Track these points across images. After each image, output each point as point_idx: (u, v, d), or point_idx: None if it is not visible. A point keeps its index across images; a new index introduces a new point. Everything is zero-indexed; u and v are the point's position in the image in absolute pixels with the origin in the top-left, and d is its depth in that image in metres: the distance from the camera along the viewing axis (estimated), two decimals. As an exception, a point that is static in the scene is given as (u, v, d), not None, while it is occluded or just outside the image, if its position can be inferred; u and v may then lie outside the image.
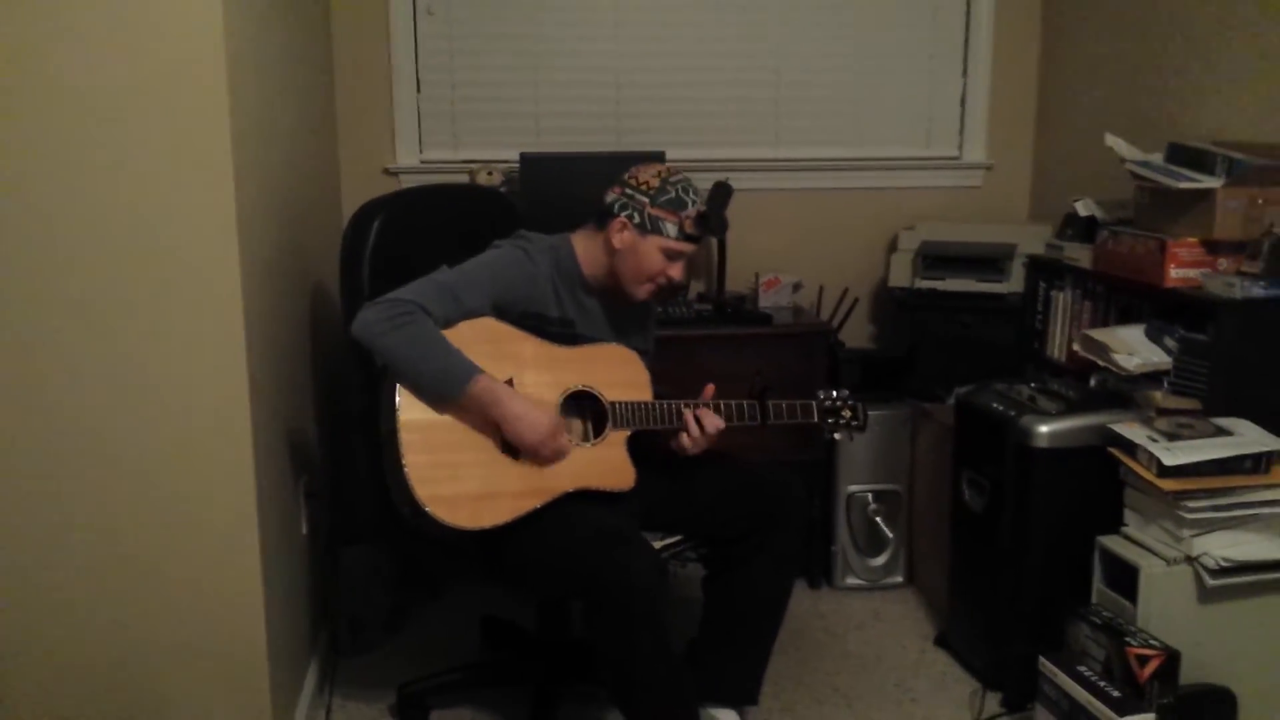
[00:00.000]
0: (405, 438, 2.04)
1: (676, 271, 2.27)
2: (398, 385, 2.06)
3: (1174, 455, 2.18)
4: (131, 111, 1.92)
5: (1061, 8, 3.50)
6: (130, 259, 1.96)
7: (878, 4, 3.54)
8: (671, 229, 2.23)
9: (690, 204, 2.24)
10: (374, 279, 2.31)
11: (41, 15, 1.87)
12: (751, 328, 3.14)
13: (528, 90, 3.47)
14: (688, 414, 2.25)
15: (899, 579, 3.27)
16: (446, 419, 2.09)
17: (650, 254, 2.23)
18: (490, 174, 3.31)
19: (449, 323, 2.10)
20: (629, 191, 2.25)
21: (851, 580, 3.25)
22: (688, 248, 2.26)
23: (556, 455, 2.14)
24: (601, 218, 2.28)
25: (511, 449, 2.13)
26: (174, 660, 2.12)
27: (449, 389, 2.05)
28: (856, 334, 3.61)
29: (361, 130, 3.41)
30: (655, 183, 2.24)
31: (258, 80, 2.22)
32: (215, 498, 2.07)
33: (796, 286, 3.39)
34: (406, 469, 2.02)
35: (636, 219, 2.23)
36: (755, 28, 3.51)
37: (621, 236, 2.24)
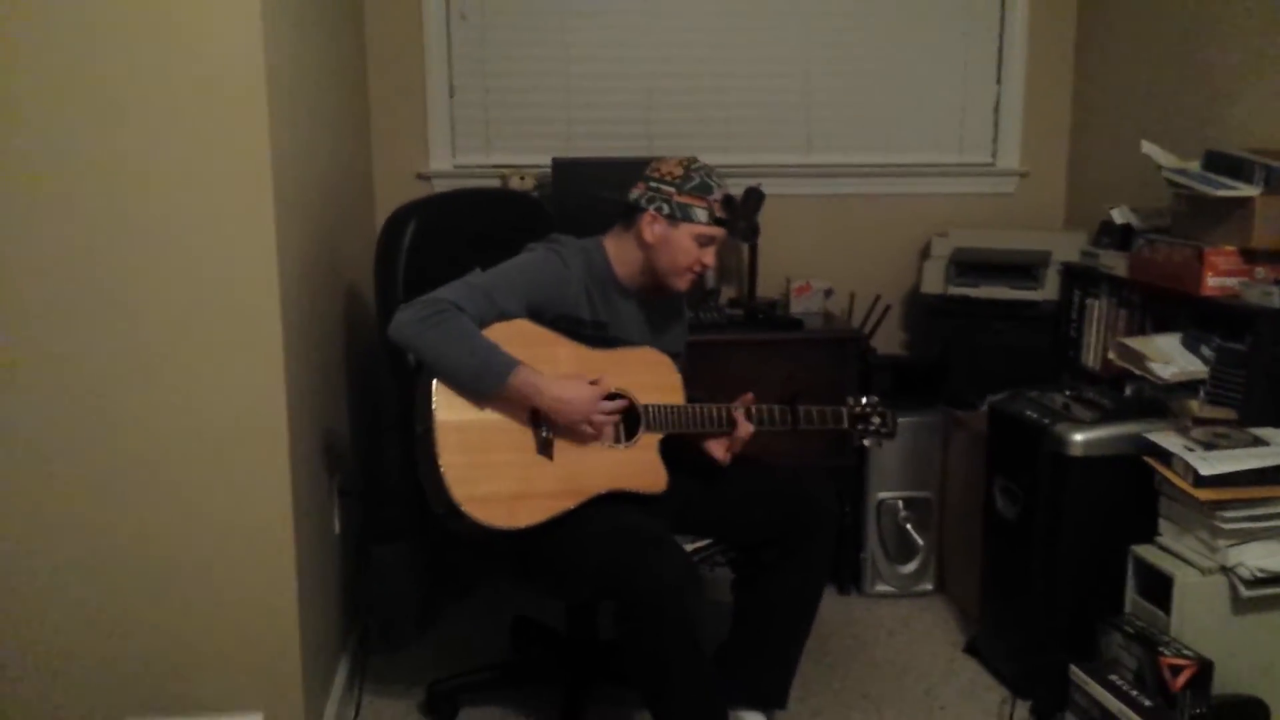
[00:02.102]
0: (441, 438, 2.06)
1: (710, 258, 2.28)
2: (434, 385, 2.08)
3: (1210, 465, 2.17)
4: (172, 118, 1.95)
5: (1097, 14, 3.48)
6: (170, 264, 2.00)
7: (911, 10, 3.54)
8: (702, 214, 2.23)
9: (715, 187, 2.25)
10: (408, 282, 2.33)
11: (82, 26, 1.91)
12: (782, 333, 3.14)
13: (560, 96, 3.49)
14: (719, 418, 2.26)
15: (929, 586, 3.26)
16: (482, 419, 2.10)
17: (683, 243, 2.24)
18: (522, 178, 3.33)
19: (483, 324, 2.11)
20: (654, 184, 2.26)
21: (881, 587, 3.25)
22: (719, 232, 2.27)
23: (603, 425, 2.16)
24: (629, 215, 2.29)
25: (546, 449, 2.14)
26: (207, 656, 2.15)
27: (490, 382, 2.07)
28: (888, 340, 3.60)
29: (395, 135, 3.44)
30: (679, 172, 2.25)
31: (295, 86, 2.25)
32: (251, 496, 2.10)
33: (828, 292, 3.39)
34: (443, 469, 2.04)
35: (666, 209, 2.24)
36: (787, 33, 3.52)
37: (653, 230, 2.25)
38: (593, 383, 2.15)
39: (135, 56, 1.93)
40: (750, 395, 2.31)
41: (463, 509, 2.04)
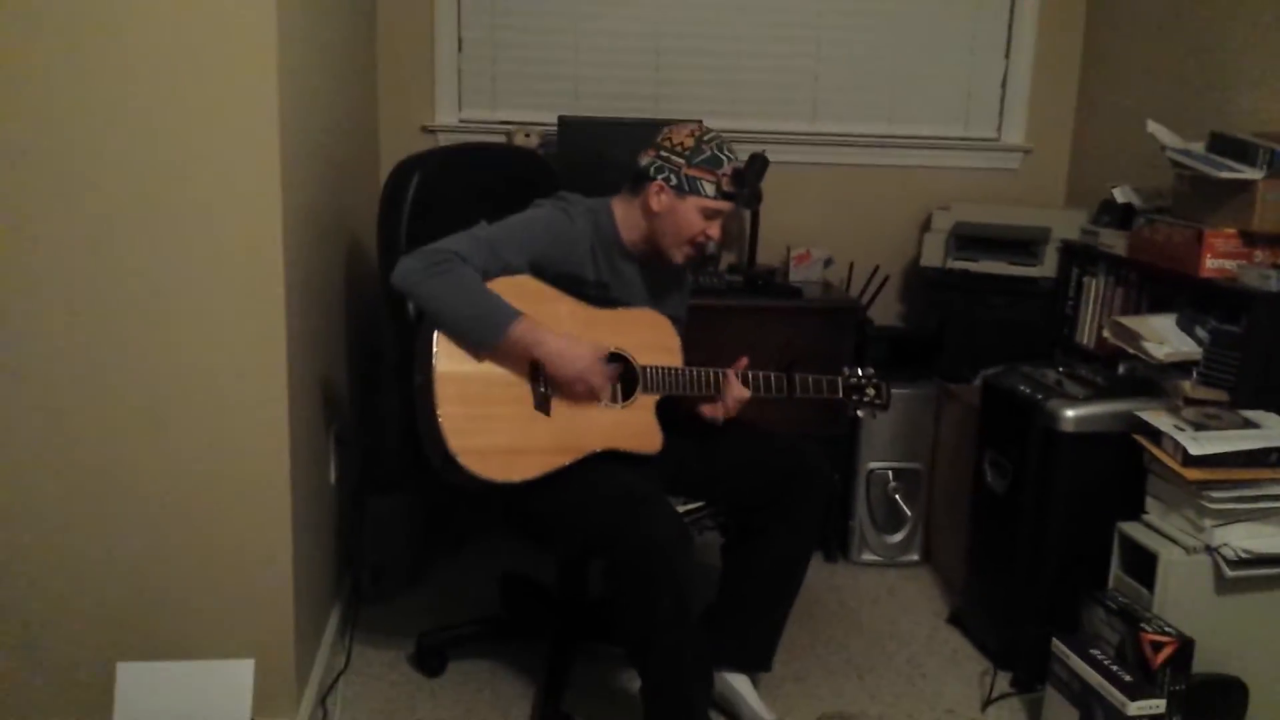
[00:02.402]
0: (440, 389, 2.07)
1: (715, 231, 2.29)
2: (435, 336, 2.08)
3: (1200, 445, 2.19)
4: (180, 59, 1.94)
5: (1109, -7, 3.47)
6: (174, 205, 1.99)
7: (923, -19, 3.53)
8: (709, 188, 2.24)
9: (726, 161, 2.24)
10: (411, 234, 2.33)
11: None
12: (781, 300, 3.15)
13: (568, 54, 3.47)
14: (716, 381, 2.27)
15: (915, 557, 3.29)
16: (482, 371, 2.11)
17: (689, 215, 2.25)
18: (528, 135, 3.32)
19: (487, 276, 2.12)
20: (664, 154, 2.26)
21: (868, 556, 3.28)
22: (726, 206, 2.27)
23: (594, 389, 2.17)
24: (637, 181, 2.29)
25: (544, 405, 2.15)
26: (200, 601, 2.16)
27: (491, 332, 2.08)
28: (886, 312, 3.61)
29: (402, 87, 3.43)
30: (690, 143, 2.25)
31: (304, 32, 2.24)
32: (249, 442, 2.10)
33: (827, 262, 3.40)
34: (441, 419, 2.05)
35: (674, 181, 2.24)
36: (798, 1, 3.50)
37: (659, 199, 2.25)
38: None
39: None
40: (745, 359, 2.32)
41: (459, 460, 2.06)
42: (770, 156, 3.26)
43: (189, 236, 2.00)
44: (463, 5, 3.41)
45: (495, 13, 3.43)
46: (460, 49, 3.44)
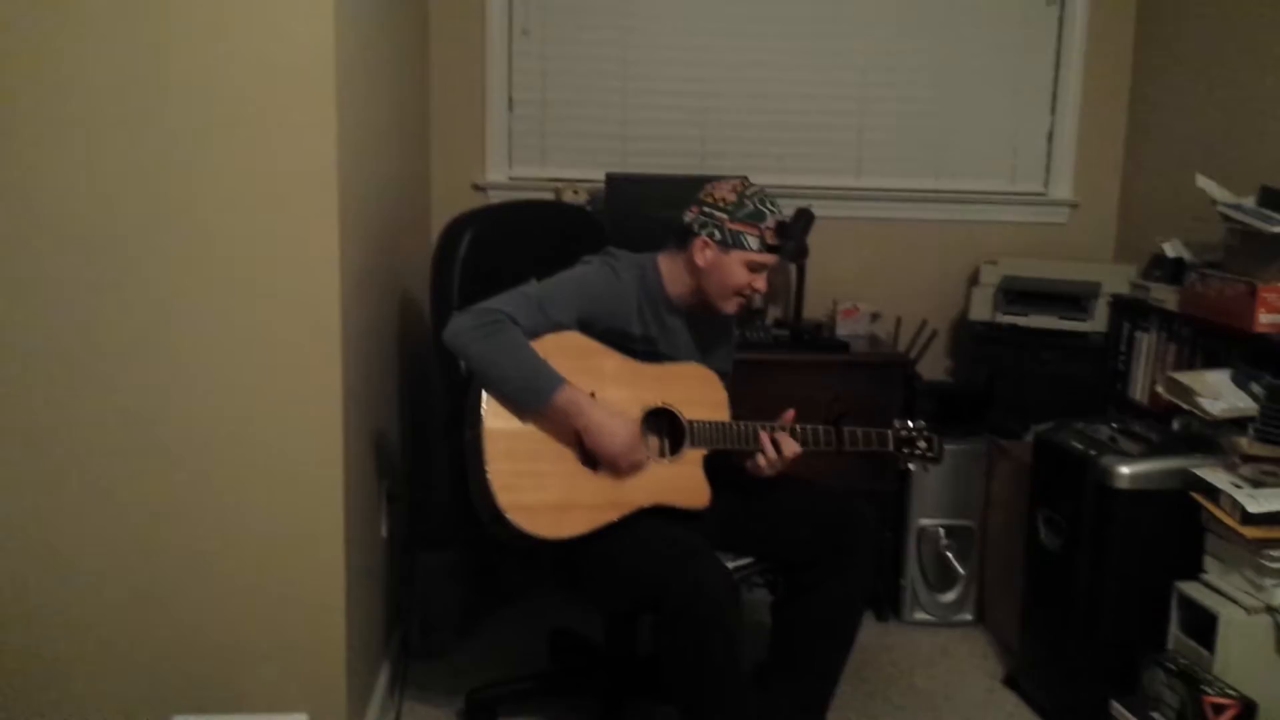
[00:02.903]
0: (489, 445, 2.09)
1: (761, 283, 2.30)
2: (483, 393, 2.11)
3: (1258, 503, 2.15)
4: (241, 121, 2.00)
5: (1154, 47, 3.47)
6: (234, 264, 2.04)
7: (966, 37, 3.55)
8: (753, 242, 2.25)
9: (768, 214, 2.27)
10: (463, 289, 2.37)
11: (151, 29, 1.96)
12: (828, 355, 3.15)
13: (616, 111, 3.53)
14: (764, 436, 2.27)
15: (968, 616, 3.24)
16: (529, 428, 2.13)
17: (734, 269, 2.26)
18: (576, 192, 3.37)
19: (535, 334, 2.14)
20: (707, 209, 2.29)
21: (920, 615, 3.23)
22: (770, 259, 2.29)
23: (634, 467, 2.18)
24: (682, 238, 2.32)
25: (591, 461, 2.16)
26: (254, 654, 2.18)
27: (534, 398, 2.10)
28: (934, 366, 3.60)
29: (453, 145, 3.50)
30: (732, 198, 2.27)
31: (362, 94, 2.30)
32: (304, 498, 2.13)
33: (874, 316, 3.40)
34: (489, 475, 2.07)
35: (718, 236, 2.26)
36: (842, 56, 3.54)
37: (704, 255, 2.27)
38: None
39: (206, 58, 1.98)
40: (791, 412, 2.32)
41: (507, 516, 2.07)
42: (816, 211, 3.26)
43: (249, 295, 2.05)
44: (514, 65, 3.48)
45: (545, 73, 3.50)
46: (511, 108, 3.51)
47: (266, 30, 1.98)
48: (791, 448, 2.28)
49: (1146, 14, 3.52)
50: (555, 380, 2.10)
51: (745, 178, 2.36)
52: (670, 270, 2.34)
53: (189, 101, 1.99)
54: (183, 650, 2.16)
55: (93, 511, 2.10)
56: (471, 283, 2.36)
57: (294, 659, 2.19)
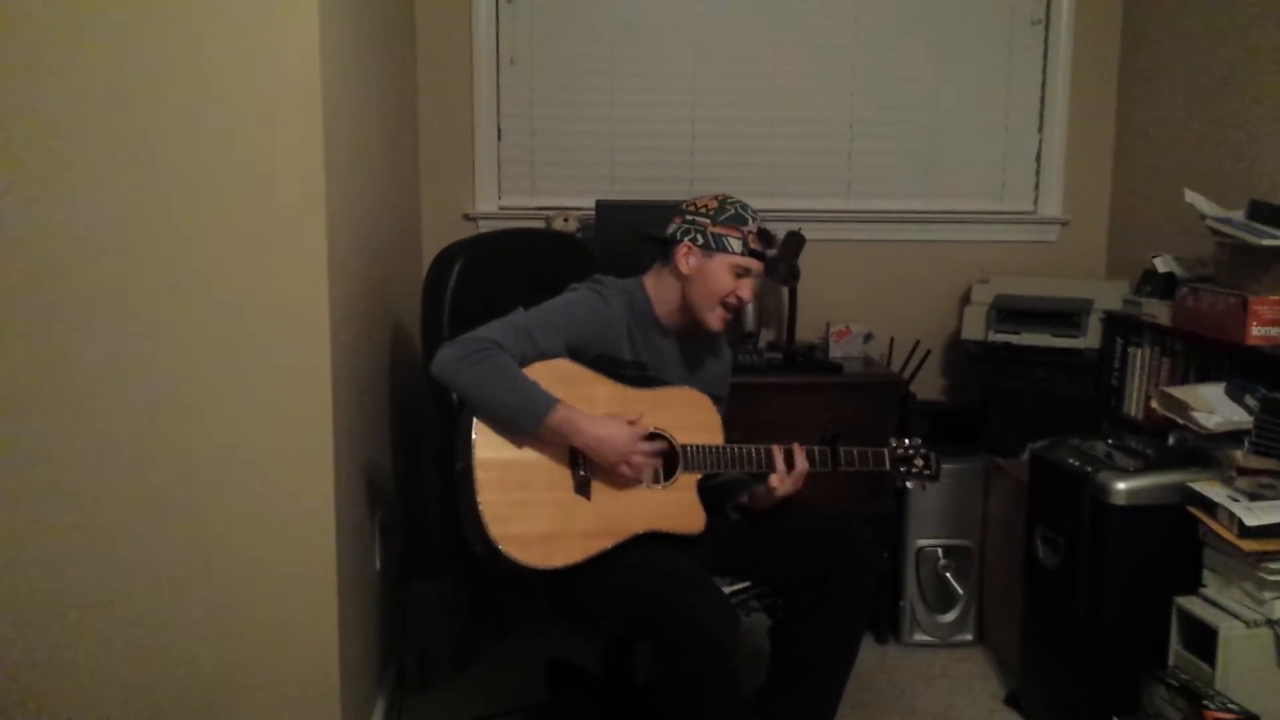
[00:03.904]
0: (481, 475, 2.08)
1: (746, 291, 2.29)
2: (474, 423, 2.10)
3: (1255, 515, 2.15)
4: (231, 155, 2.01)
5: (1139, 63, 3.49)
6: (222, 296, 2.04)
7: (953, 58, 3.57)
8: (736, 244, 2.26)
9: (750, 220, 2.27)
10: (454, 319, 2.37)
11: (141, 62, 1.97)
12: (822, 377, 3.15)
13: (604, 139, 3.54)
14: (777, 452, 2.26)
15: (968, 636, 3.22)
16: (521, 458, 2.12)
17: (718, 273, 2.26)
18: (566, 220, 3.38)
19: (524, 362, 2.14)
20: (689, 217, 2.30)
21: (920, 636, 3.21)
22: (754, 264, 2.28)
23: (641, 467, 2.17)
24: (665, 249, 2.32)
25: (584, 489, 2.15)
26: (247, 688, 2.16)
27: (529, 420, 2.09)
28: (928, 386, 3.59)
29: (443, 176, 3.51)
30: (714, 204, 2.29)
31: (349, 126, 2.30)
32: (295, 530, 2.12)
33: (867, 337, 3.39)
34: (481, 507, 2.06)
35: (700, 240, 2.26)
36: (830, 80, 3.56)
37: (688, 261, 2.27)
38: (631, 423, 2.17)
39: (192, 96, 1.98)
40: (796, 445, 2.31)
41: (500, 547, 2.05)
42: (807, 234, 3.28)
43: (236, 325, 2.05)
44: (502, 95, 3.50)
45: (533, 102, 3.51)
46: (500, 137, 3.52)
47: (252, 63, 1.99)
48: (804, 465, 2.27)
49: (1131, 31, 3.54)
50: (548, 401, 2.09)
51: (726, 192, 2.36)
52: (657, 289, 2.34)
53: (176, 135, 1.99)
54: (175, 682, 2.14)
55: (84, 543, 2.08)
56: (462, 313, 2.36)
57: (288, 692, 2.17)
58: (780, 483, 2.27)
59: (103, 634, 2.11)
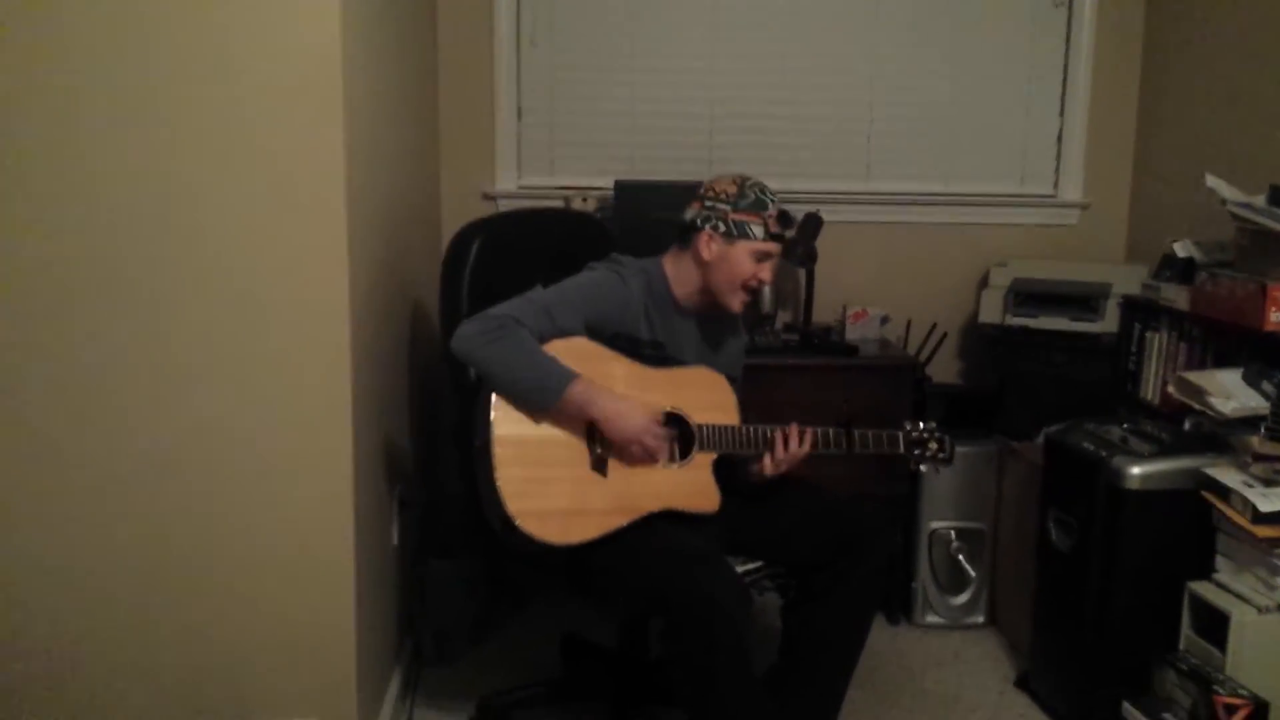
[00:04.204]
0: (499, 452, 2.10)
1: (767, 274, 2.31)
2: (492, 400, 2.12)
3: (1270, 501, 2.15)
4: (249, 131, 2.02)
5: (1161, 47, 3.46)
6: (243, 273, 2.06)
7: (974, 39, 3.55)
8: (758, 230, 2.26)
9: (770, 203, 2.28)
10: (472, 298, 2.38)
11: (158, 42, 1.98)
12: (838, 359, 3.16)
13: (624, 119, 3.54)
14: (777, 434, 2.28)
15: (980, 619, 3.23)
16: (539, 434, 2.14)
17: (740, 259, 2.27)
18: (585, 200, 3.39)
19: (542, 339, 2.15)
20: (709, 203, 2.30)
21: (932, 618, 3.23)
22: (775, 247, 2.30)
23: (652, 451, 2.18)
24: (685, 234, 2.33)
25: (601, 466, 2.17)
26: (264, 662, 2.19)
27: (547, 395, 2.11)
28: (944, 369, 3.59)
29: (463, 155, 3.52)
30: (733, 190, 2.29)
31: (369, 104, 2.32)
32: (314, 505, 2.14)
33: (884, 319, 3.40)
34: (499, 483, 2.08)
35: (722, 228, 2.27)
36: (849, 61, 3.55)
37: (710, 248, 2.28)
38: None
39: (213, 73, 2.00)
40: (795, 426, 2.32)
41: (517, 523, 2.08)
42: (825, 216, 3.28)
43: (257, 305, 2.07)
44: (522, 75, 3.50)
45: (554, 82, 3.51)
46: (520, 117, 3.53)
47: (272, 42, 2.00)
48: (799, 446, 2.29)
49: (1155, 14, 3.51)
50: (567, 374, 2.11)
51: (743, 173, 2.36)
52: (676, 271, 2.35)
53: (196, 114, 2.01)
54: (192, 658, 2.18)
55: (99, 522, 2.11)
56: (481, 290, 2.38)
57: (304, 667, 2.20)
58: (771, 466, 2.30)
59: (118, 609, 2.15)
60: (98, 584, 2.14)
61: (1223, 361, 2.58)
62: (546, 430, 2.15)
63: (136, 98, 1.99)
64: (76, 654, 2.15)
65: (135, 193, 2.02)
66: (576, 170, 3.55)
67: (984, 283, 3.47)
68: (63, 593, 2.13)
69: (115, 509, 2.11)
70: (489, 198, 3.53)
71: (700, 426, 2.27)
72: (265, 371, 2.09)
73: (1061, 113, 3.61)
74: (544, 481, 2.12)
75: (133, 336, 2.06)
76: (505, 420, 2.12)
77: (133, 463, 2.10)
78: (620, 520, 2.16)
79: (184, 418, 2.10)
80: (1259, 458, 2.33)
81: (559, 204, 3.41)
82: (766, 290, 3.29)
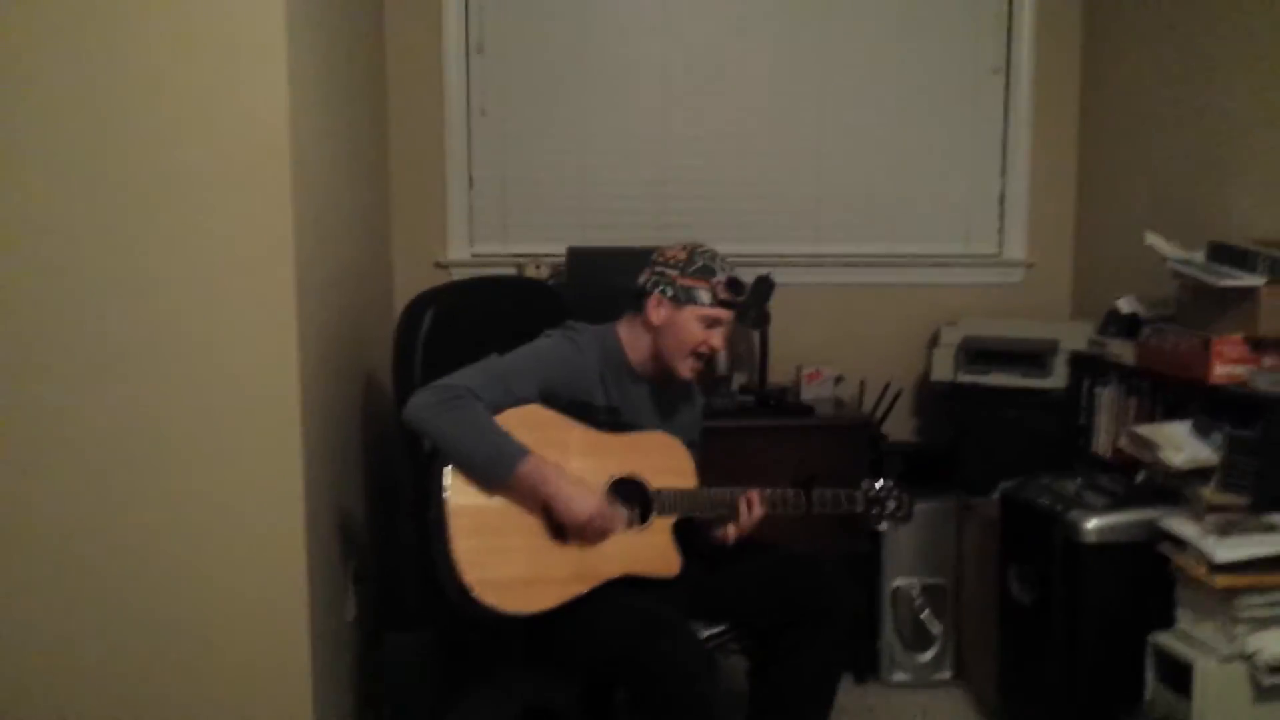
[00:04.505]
0: (454, 522, 2.07)
1: (717, 340, 2.31)
2: (446, 470, 2.09)
3: (1226, 551, 2.17)
4: (197, 203, 2.02)
5: (1099, 108, 3.56)
6: (190, 347, 2.04)
7: (918, 105, 3.63)
8: (705, 295, 2.27)
9: (719, 270, 2.29)
10: (426, 367, 2.36)
11: (107, 112, 1.98)
12: (794, 419, 3.17)
13: (575, 187, 3.57)
14: (740, 500, 2.27)
15: (947, 674, 3.22)
16: (495, 503, 2.11)
17: (688, 324, 2.28)
18: (538, 267, 3.39)
19: (498, 409, 2.14)
20: (659, 268, 2.31)
21: (899, 676, 3.21)
22: (723, 314, 2.30)
23: (604, 531, 2.16)
24: (637, 300, 2.33)
25: (559, 534, 2.15)
26: (220, 744, 2.13)
27: (499, 470, 2.09)
28: (899, 427, 3.61)
29: (414, 224, 3.52)
30: (683, 256, 2.30)
31: (319, 175, 2.32)
32: (266, 581, 2.11)
33: (838, 379, 3.42)
34: (455, 553, 2.05)
35: (670, 292, 2.28)
36: (798, 127, 3.61)
37: (658, 312, 2.28)
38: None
39: (159, 139, 1.99)
40: (754, 493, 2.32)
41: (474, 593, 2.04)
42: (776, 278, 3.31)
43: (205, 373, 2.05)
44: (473, 144, 3.52)
45: (504, 150, 3.54)
46: (471, 186, 3.54)
47: (220, 109, 2.00)
48: (757, 511, 2.28)
49: (1091, 77, 3.62)
50: (519, 452, 2.09)
51: (695, 241, 2.38)
52: (630, 337, 2.35)
53: (141, 182, 2.00)
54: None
55: (55, 593, 2.06)
56: (434, 360, 2.35)
57: (260, 749, 2.14)
58: (736, 531, 2.29)
59: (69, 684, 2.08)
60: (43, 652, 2.07)
61: (1173, 412, 2.62)
62: (502, 499, 2.12)
63: (82, 163, 1.98)
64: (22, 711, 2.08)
65: (75, 258, 2.00)
66: (529, 237, 3.56)
67: (934, 341, 3.51)
68: (4, 652, 2.07)
69: (62, 581, 2.07)
70: (441, 266, 3.52)
71: (658, 491, 2.25)
72: (212, 443, 2.06)
73: (1003, 174, 3.69)
74: (501, 551, 2.09)
75: (75, 402, 2.03)
76: (460, 490, 2.09)
77: (76, 536, 2.05)
78: (580, 588, 2.13)
79: (129, 487, 2.06)
80: (1213, 508, 2.36)
81: (512, 271, 3.42)
82: (721, 354, 3.30)
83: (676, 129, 3.57)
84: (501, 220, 3.56)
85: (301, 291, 2.09)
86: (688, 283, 2.27)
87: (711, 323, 2.29)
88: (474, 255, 3.55)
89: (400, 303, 2.59)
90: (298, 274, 2.06)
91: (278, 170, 2.02)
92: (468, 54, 3.49)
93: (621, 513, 2.23)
